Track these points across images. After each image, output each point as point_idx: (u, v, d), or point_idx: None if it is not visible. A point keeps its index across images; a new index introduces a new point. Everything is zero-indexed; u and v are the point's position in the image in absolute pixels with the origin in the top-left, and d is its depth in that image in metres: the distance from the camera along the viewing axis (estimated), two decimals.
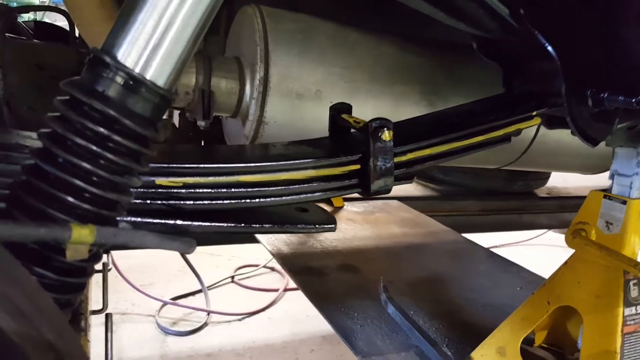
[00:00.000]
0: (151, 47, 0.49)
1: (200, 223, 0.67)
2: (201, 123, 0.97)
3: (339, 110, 0.83)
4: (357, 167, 0.75)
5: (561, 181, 2.90)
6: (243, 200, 0.69)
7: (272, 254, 1.58)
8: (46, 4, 4.59)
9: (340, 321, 1.22)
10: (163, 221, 0.65)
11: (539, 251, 3.58)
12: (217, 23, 1.20)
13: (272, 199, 0.70)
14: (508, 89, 0.98)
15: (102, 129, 0.47)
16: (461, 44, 1.21)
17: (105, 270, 1.32)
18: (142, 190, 0.64)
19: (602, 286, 1.03)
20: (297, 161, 0.71)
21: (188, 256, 2.06)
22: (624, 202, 1.03)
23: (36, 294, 0.39)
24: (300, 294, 2.60)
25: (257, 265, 2.85)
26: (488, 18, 0.88)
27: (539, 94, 0.92)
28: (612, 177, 1.07)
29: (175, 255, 1.92)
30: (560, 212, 2.61)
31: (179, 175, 0.65)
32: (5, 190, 0.52)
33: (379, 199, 2.20)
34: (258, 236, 1.67)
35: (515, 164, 1.40)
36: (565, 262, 1.12)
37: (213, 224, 0.68)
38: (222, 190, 0.67)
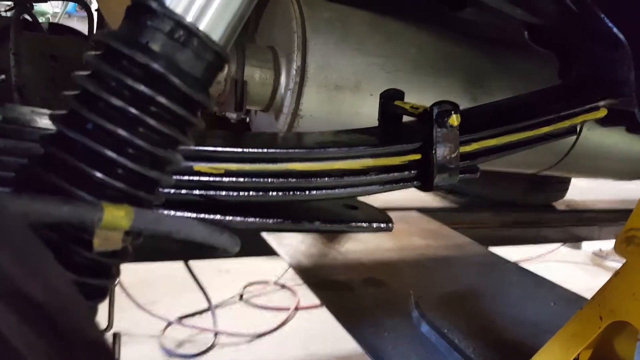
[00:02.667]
0: None
1: (243, 218, 0.57)
2: (232, 115, 0.88)
3: (391, 97, 0.74)
4: (418, 156, 0.65)
5: (578, 194, 2.85)
6: (292, 192, 0.59)
7: (292, 267, 1.48)
8: (59, 12, 4.55)
9: (370, 341, 1.12)
10: (201, 215, 0.55)
11: (555, 268, 3.47)
12: None
13: (325, 191, 0.60)
14: (565, 80, 0.90)
15: (144, 88, 0.38)
16: (506, 39, 1.13)
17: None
18: (176, 177, 0.54)
19: None
20: (353, 148, 0.61)
21: (196, 272, 1.94)
22: None
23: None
24: (313, 312, 2.50)
25: (266, 282, 2.73)
26: (546, 2, 0.80)
27: (603, 84, 0.83)
28: None
29: (182, 271, 1.81)
30: (579, 225, 2.56)
31: (220, 160, 0.55)
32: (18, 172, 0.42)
33: (398, 209, 2.13)
34: (277, 248, 1.57)
35: (555, 168, 1.32)
36: (617, 273, 1.03)
37: (257, 219, 0.58)
38: (269, 180, 0.58)
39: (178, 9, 0.40)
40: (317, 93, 0.91)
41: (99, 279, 0.42)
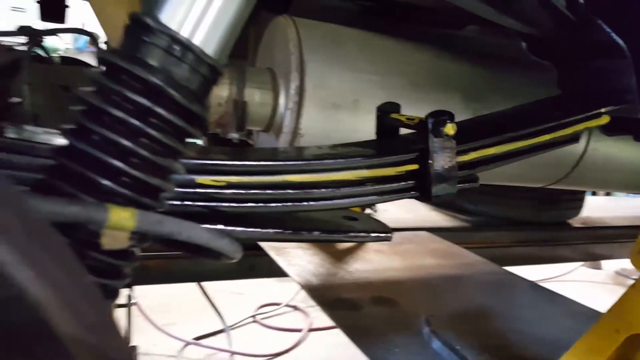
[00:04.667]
0: (199, 7, 0.43)
1: (244, 229, 0.59)
2: (234, 135, 0.91)
3: (387, 110, 0.76)
4: (415, 167, 0.67)
5: (592, 209, 2.78)
6: (290, 203, 0.61)
7: (301, 286, 1.49)
8: (70, 48, 4.74)
9: (382, 357, 1.11)
10: (204, 226, 0.57)
11: (575, 288, 3.40)
12: (245, 44, 1.17)
13: (322, 202, 0.62)
14: (565, 90, 0.91)
15: (143, 100, 0.41)
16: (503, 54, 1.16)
17: (129, 304, 1.27)
18: (180, 190, 0.57)
19: None
20: (349, 160, 0.63)
21: (210, 294, 1.96)
22: None
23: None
24: (325, 334, 2.48)
25: (279, 304, 2.73)
26: (541, 11, 0.82)
27: (604, 92, 0.84)
28: None
29: (197, 293, 1.83)
30: (598, 243, 2.46)
31: (222, 173, 0.58)
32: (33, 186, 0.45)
33: (408, 229, 2.12)
34: (286, 268, 1.58)
35: (563, 182, 1.31)
36: (634, 285, 1.01)
37: (258, 230, 0.60)
38: (268, 191, 0.60)
39: (172, 25, 0.43)
40: (316, 112, 0.94)
41: (110, 280, 0.45)
